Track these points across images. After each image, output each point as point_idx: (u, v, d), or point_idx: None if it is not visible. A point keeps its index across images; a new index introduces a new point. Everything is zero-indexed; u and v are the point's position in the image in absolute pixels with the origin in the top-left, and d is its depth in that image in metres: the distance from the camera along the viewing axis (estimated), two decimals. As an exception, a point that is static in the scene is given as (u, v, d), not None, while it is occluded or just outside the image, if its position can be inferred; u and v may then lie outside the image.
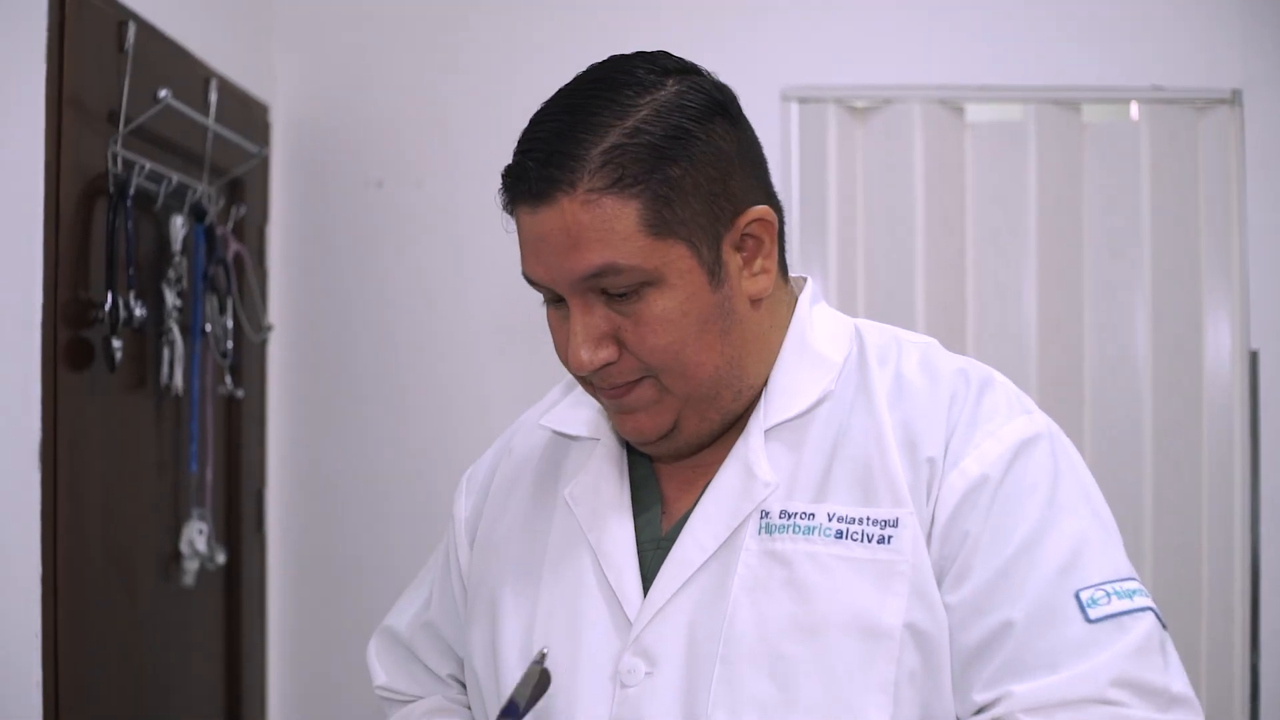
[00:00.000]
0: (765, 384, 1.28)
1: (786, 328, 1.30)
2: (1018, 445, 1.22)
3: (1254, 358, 2.77)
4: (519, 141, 1.22)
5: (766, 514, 1.23)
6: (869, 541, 1.20)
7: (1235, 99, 2.80)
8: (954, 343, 2.80)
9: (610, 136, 1.16)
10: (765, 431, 1.26)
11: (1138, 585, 1.19)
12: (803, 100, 2.83)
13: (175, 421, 2.28)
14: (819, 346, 1.29)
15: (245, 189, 2.61)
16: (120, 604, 2.10)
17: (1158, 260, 2.82)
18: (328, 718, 2.85)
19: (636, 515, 1.30)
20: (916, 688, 1.18)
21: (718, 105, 1.21)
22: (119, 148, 2.01)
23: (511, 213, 1.23)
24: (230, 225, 2.49)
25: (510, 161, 1.22)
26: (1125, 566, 1.21)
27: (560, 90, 1.24)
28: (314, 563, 2.86)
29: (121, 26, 2.04)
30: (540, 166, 1.17)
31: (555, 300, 1.23)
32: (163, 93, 2.09)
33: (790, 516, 1.23)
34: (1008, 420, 1.24)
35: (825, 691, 1.18)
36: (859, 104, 2.86)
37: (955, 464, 1.21)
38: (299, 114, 2.85)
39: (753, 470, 1.25)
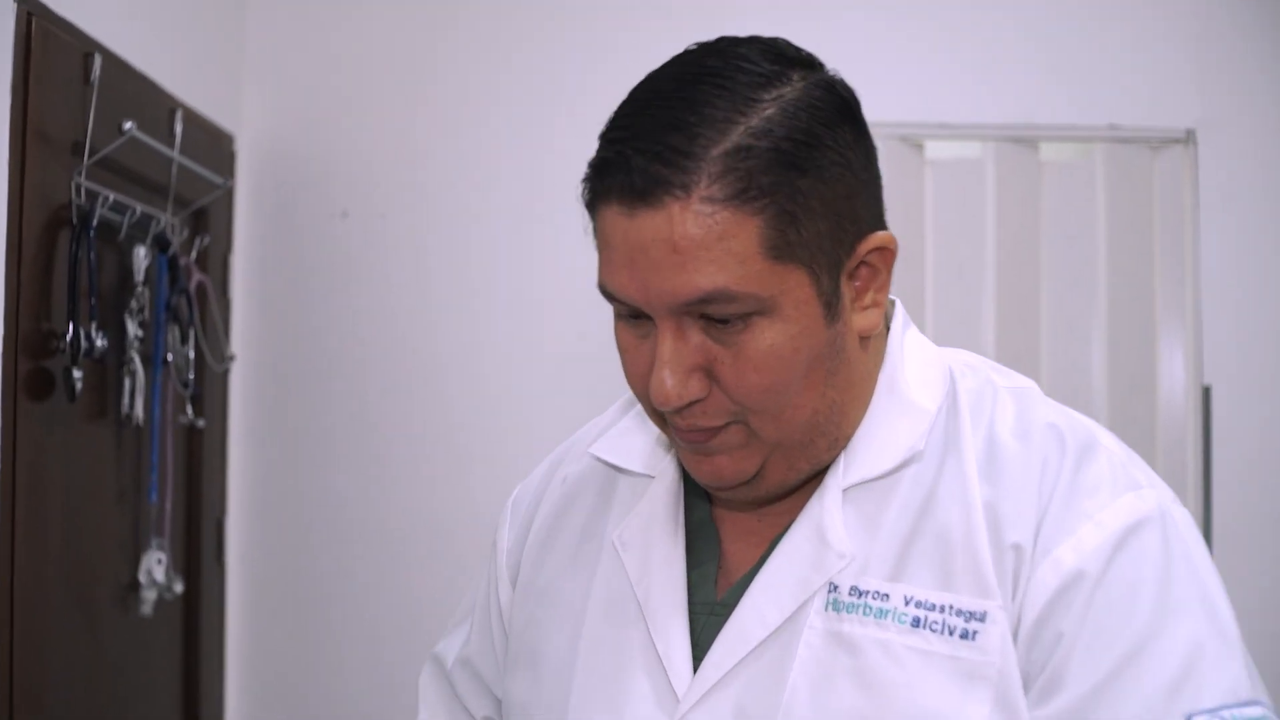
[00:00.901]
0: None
1: (881, 365, 1.13)
2: (1122, 533, 1.02)
3: (1207, 393, 2.81)
4: (610, 128, 1.03)
5: (835, 588, 1.07)
6: (950, 634, 1.04)
7: (1190, 139, 2.85)
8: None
9: (733, 135, 0.98)
10: (843, 491, 1.09)
11: (1263, 710, 1.00)
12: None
13: (136, 451, 2.28)
14: (911, 393, 1.11)
15: (210, 219, 2.62)
16: (79, 634, 2.09)
17: (1113, 296, 2.86)
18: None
19: (691, 568, 1.15)
20: None
21: (847, 109, 1.04)
22: (83, 179, 2.01)
23: (594, 211, 1.04)
24: (194, 255, 2.50)
25: (598, 154, 1.03)
26: (1246, 685, 1.01)
27: (660, 72, 1.05)
28: (273, 592, 2.85)
29: (87, 58, 2.05)
30: (648, 162, 0.98)
31: (634, 316, 1.05)
32: (128, 125, 2.10)
33: (862, 595, 1.06)
34: (1111, 499, 1.04)
35: None
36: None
37: (1047, 553, 1.02)
38: (265, 144, 2.86)
39: (826, 536, 1.08)
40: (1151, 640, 1.00)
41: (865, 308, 1.07)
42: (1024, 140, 2.88)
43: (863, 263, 1.05)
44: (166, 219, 2.33)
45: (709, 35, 1.08)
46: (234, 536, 2.82)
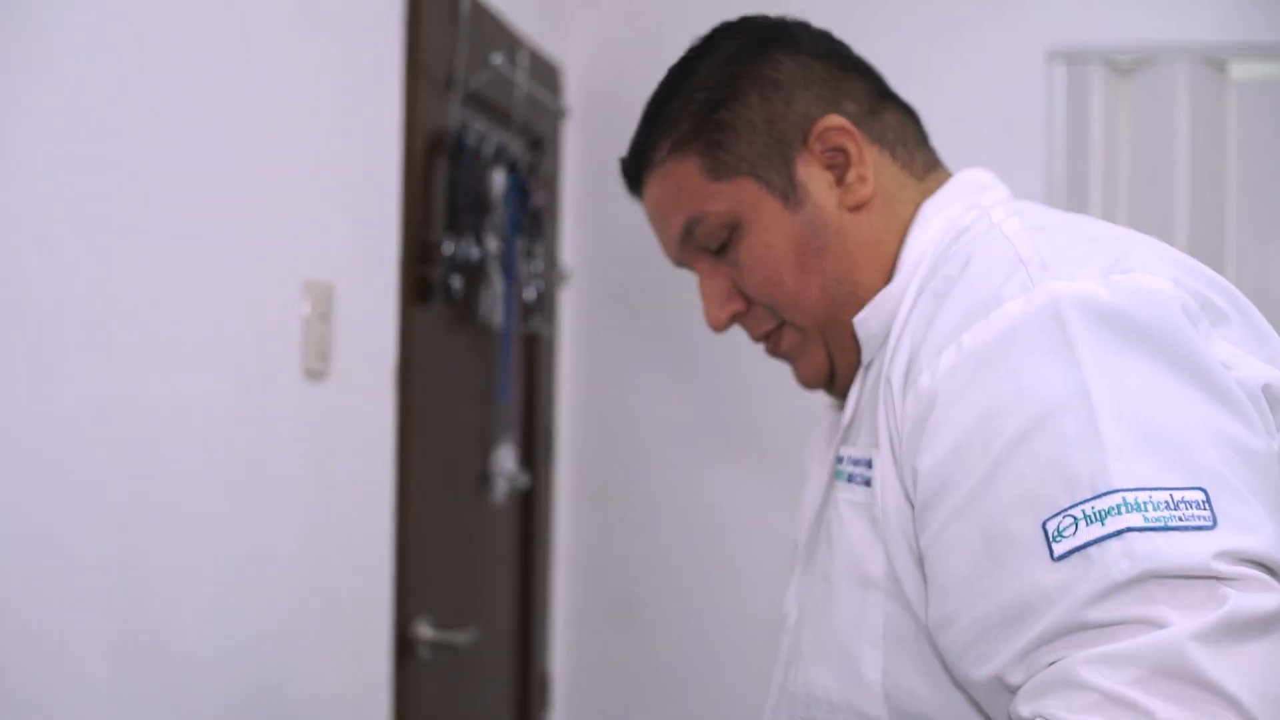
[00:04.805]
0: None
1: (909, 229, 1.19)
2: (985, 350, 0.96)
3: None
4: None
5: (840, 459, 1.16)
6: (864, 485, 1.10)
7: None
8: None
9: (671, 109, 1.22)
10: (864, 365, 1.18)
11: (1120, 498, 0.87)
12: (1068, 60, 2.91)
13: (489, 354, 2.53)
14: (900, 267, 1.17)
15: (545, 144, 2.84)
16: (448, 515, 2.36)
17: None
18: (603, 624, 3.10)
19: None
20: (908, 644, 1.06)
21: (770, 38, 1.22)
22: (457, 108, 2.25)
23: None
24: (535, 178, 2.72)
25: None
26: (1110, 476, 0.88)
27: None
28: (596, 490, 3.09)
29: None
30: (629, 162, 1.27)
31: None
32: (497, 59, 2.33)
33: (840, 461, 1.16)
34: (985, 313, 0.97)
35: (834, 643, 1.11)
36: (1123, 63, 2.92)
37: (913, 385, 1.00)
38: (590, 74, 3.06)
39: (843, 411, 1.21)
40: (1003, 466, 0.92)
41: (850, 184, 1.18)
42: (1336, 60, 2.86)
43: (830, 148, 1.19)
44: (513, 143, 2.55)
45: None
46: (564, 438, 3.07)
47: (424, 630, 2.18)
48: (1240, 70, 2.92)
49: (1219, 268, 2.84)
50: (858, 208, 1.18)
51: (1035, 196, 2.89)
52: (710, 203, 1.19)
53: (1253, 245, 2.90)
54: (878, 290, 1.16)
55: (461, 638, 2.24)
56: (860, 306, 1.16)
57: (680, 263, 1.27)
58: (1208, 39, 2.88)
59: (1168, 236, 2.84)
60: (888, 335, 1.11)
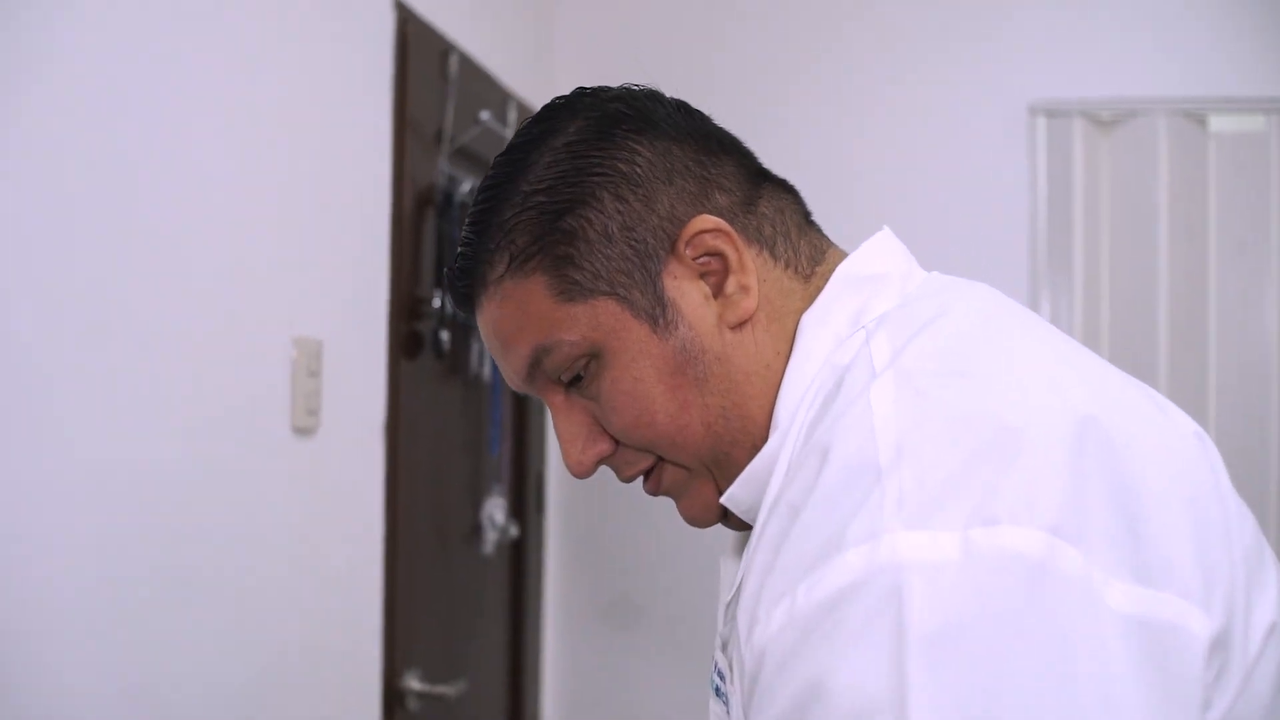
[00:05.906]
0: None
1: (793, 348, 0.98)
2: (821, 607, 0.79)
3: None
4: None
5: (715, 664, 1.03)
6: (722, 700, 0.96)
7: None
8: (1195, 350, 2.90)
9: (502, 214, 0.97)
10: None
11: None
12: (1049, 114, 2.96)
13: (478, 406, 2.55)
14: (775, 422, 0.96)
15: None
16: (438, 564, 2.38)
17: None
18: (594, 675, 3.11)
19: None
20: None
21: (619, 118, 0.98)
22: (445, 163, 2.28)
23: None
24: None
25: None
26: None
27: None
28: (585, 541, 3.11)
29: (444, 56, 2.32)
30: (457, 279, 1.00)
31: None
32: (484, 115, 2.36)
33: (715, 666, 1.01)
34: (831, 555, 0.79)
35: None
36: (1104, 116, 2.98)
37: (753, 630, 0.84)
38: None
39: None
40: None
41: (730, 295, 0.97)
42: (1313, 114, 2.91)
43: (703, 254, 0.96)
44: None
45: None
46: (553, 489, 3.09)
47: (413, 682, 2.20)
48: (1219, 123, 2.97)
49: (1201, 319, 2.92)
50: (740, 324, 0.97)
51: (1018, 250, 2.95)
52: (562, 329, 0.96)
53: (1234, 295, 2.94)
54: (769, 419, 0.96)
55: (451, 689, 2.25)
56: (752, 442, 0.97)
57: (527, 394, 1.04)
58: (1187, 93, 2.93)
59: (1150, 288, 2.89)
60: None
